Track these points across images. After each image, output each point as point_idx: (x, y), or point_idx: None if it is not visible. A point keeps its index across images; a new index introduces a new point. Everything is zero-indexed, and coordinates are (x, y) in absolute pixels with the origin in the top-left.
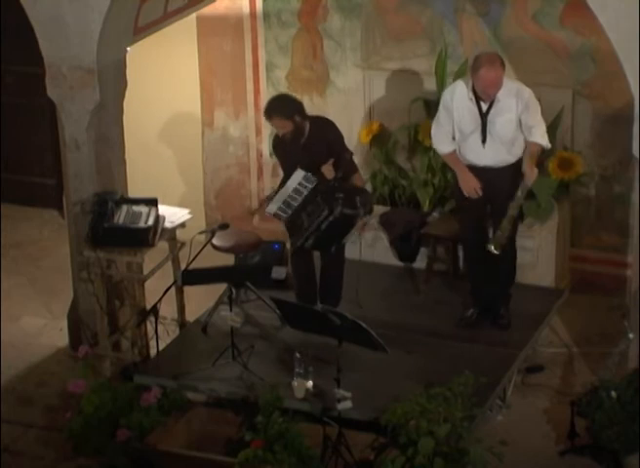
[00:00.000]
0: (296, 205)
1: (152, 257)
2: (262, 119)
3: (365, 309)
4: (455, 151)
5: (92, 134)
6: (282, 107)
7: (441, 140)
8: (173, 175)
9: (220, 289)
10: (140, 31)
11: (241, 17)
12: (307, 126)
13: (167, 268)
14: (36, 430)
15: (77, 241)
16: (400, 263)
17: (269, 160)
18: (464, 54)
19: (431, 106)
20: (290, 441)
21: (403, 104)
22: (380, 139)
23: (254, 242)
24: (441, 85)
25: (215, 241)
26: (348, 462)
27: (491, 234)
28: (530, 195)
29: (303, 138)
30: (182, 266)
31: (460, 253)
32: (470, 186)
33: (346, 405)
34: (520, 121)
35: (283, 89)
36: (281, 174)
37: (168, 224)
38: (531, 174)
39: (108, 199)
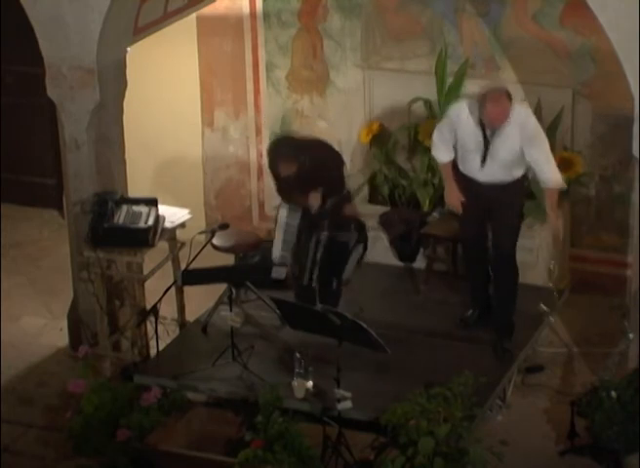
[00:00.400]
0: (292, 241)
1: (152, 257)
2: (262, 119)
3: (365, 309)
4: (450, 161)
5: (92, 134)
6: (285, 151)
7: (440, 149)
8: (173, 175)
9: (219, 289)
10: (139, 31)
11: (241, 17)
12: (308, 159)
13: (167, 268)
14: (36, 430)
15: (77, 241)
16: (400, 263)
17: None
18: (464, 54)
19: (431, 106)
20: (290, 441)
21: (403, 104)
22: (380, 139)
23: (254, 242)
24: (441, 85)
25: (215, 241)
26: (348, 462)
27: (490, 236)
28: (530, 195)
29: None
30: (182, 266)
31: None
32: (453, 199)
33: (346, 405)
34: (523, 151)
35: (283, 89)
36: None
37: (168, 224)
38: (555, 222)
39: (108, 199)
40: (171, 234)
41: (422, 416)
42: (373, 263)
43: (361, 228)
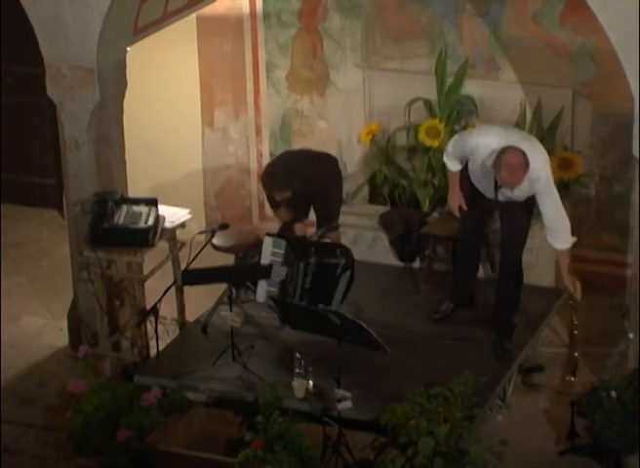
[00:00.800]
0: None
1: (152, 257)
2: (262, 119)
3: (365, 309)
4: (458, 172)
5: (92, 134)
6: (280, 180)
7: (451, 159)
8: (173, 175)
9: (219, 289)
10: (139, 31)
11: (241, 17)
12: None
13: (167, 268)
14: (36, 430)
15: (77, 241)
16: (400, 263)
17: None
18: (464, 54)
19: (431, 106)
20: (290, 441)
21: (403, 104)
22: (379, 139)
23: (254, 242)
24: (441, 85)
25: (215, 241)
26: (348, 462)
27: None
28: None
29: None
30: (182, 266)
31: None
32: (455, 204)
33: (346, 405)
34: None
35: (283, 89)
36: None
37: (168, 224)
38: (574, 285)
39: (108, 199)
40: (171, 234)
41: (422, 416)
42: (373, 263)
43: (347, 254)
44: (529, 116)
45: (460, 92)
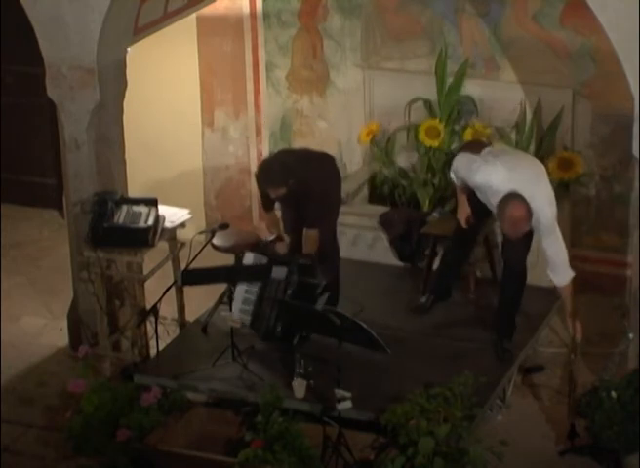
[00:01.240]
0: (256, 292)
1: (152, 257)
2: (262, 119)
3: (365, 309)
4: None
5: (92, 134)
6: (275, 177)
7: (456, 176)
8: (173, 175)
9: (219, 289)
10: (140, 31)
11: (241, 17)
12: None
13: (167, 268)
14: (36, 430)
15: (77, 241)
16: (400, 263)
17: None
18: (464, 54)
19: (431, 106)
20: (290, 441)
21: (403, 104)
22: (379, 139)
23: (254, 242)
24: (441, 85)
25: (215, 241)
26: (348, 462)
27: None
28: None
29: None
30: (182, 266)
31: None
32: (463, 217)
33: (346, 405)
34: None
35: (283, 89)
36: None
37: (168, 224)
38: (575, 328)
39: (108, 199)
40: (171, 234)
41: (422, 416)
42: (373, 263)
43: (326, 271)
44: (529, 116)
45: (459, 92)
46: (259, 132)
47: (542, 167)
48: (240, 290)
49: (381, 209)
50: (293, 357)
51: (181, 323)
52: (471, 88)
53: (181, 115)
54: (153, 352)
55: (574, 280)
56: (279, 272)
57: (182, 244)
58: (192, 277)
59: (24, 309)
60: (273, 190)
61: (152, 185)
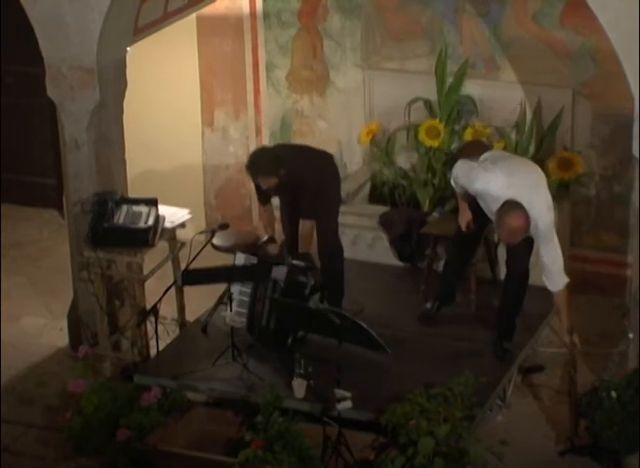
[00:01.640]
0: (249, 293)
1: (152, 257)
2: (262, 119)
3: (365, 309)
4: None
5: (92, 134)
6: (265, 165)
7: (456, 183)
8: (173, 175)
9: (219, 289)
10: (140, 31)
11: (241, 17)
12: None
13: (167, 268)
14: (36, 430)
15: (77, 241)
16: (400, 263)
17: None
18: (464, 54)
19: (431, 106)
20: (290, 441)
21: (403, 104)
22: (379, 139)
23: (254, 242)
24: (441, 85)
25: (215, 241)
26: (348, 462)
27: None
28: None
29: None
30: (182, 266)
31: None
32: (464, 222)
33: (346, 405)
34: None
35: (283, 89)
36: None
37: (168, 224)
38: (572, 341)
39: (108, 199)
40: (171, 234)
41: (422, 416)
42: (373, 263)
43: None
44: (529, 116)
45: (459, 92)
46: (259, 132)
47: (541, 172)
48: (235, 291)
49: (381, 209)
50: (293, 357)
51: (181, 323)
52: (471, 88)
53: (181, 115)
54: (153, 352)
55: (573, 281)
56: (279, 272)
57: (182, 244)
58: (192, 277)
59: (24, 309)
60: (263, 180)
61: (152, 185)
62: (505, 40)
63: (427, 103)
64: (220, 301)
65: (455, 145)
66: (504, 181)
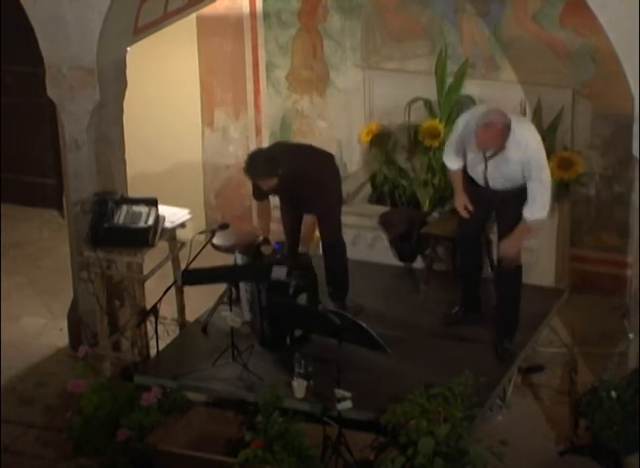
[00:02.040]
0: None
1: (152, 257)
2: (262, 119)
3: (365, 309)
4: (460, 169)
5: (92, 134)
6: (263, 168)
7: (450, 157)
8: (173, 175)
9: (219, 289)
10: (140, 31)
11: (241, 17)
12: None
13: (167, 268)
14: (36, 430)
15: (77, 241)
16: (400, 263)
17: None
18: (464, 54)
19: (431, 106)
20: (290, 441)
21: (403, 104)
22: (380, 139)
23: (253, 242)
24: (441, 85)
25: (215, 241)
26: (348, 462)
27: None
28: None
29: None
30: (182, 266)
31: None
32: (460, 204)
33: (346, 405)
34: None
35: (283, 89)
36: None
37: (168, 224)
38: (510, 249)
39: (108, 199)
40: (171, 234)
41: (422, 416)
42: (373, 263)
43: (305, 278)
44: (529, 116)
45: (460, 92)
46: (259, 132)
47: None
48: (242, 291)
49: (381, 209)
50: (293, 357)
51: (181, 323)
52: (471, 88)
53: (182, 115)
54: (153, 352)
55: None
56: (279, 272)
57: (182, 244)
58: (192, 277)
59: (24, 309)
60: (264, 182)
61: (152, 185)
62: (505, 40)
63: (427, 103)
64: (220, 301)
65: None
66: (486, 108)
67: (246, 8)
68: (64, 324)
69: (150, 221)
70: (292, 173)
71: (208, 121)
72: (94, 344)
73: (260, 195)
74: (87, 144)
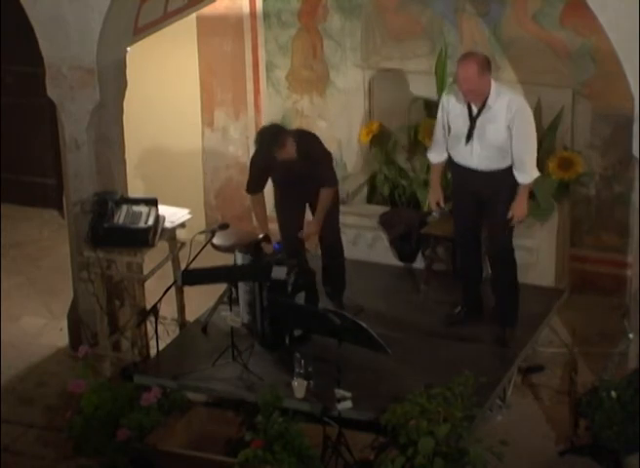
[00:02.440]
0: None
1: (152, 257)
2: (262, 119)
3: (365, 309)
4: (441, 163)
5: (92, 134)
6: (279, 135)
7: (434, 149)
8: (173, 175)
9: (219, 289)
10: (140, 31)
11: (241, 17)
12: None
13: (167, 268)
14: (36, 430)
15: (77, 241)
16: (400, 263)
17: None
18: None
19: (431, 106)
20: (290, 441)
21: (403, 104)
22: (380, 139)
23: (254, 241)
24: (441, 85)
25: (215, 241)
26: (348, 462)
27: (484, 234)
28: (530, 195)
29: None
30: (182, 266)
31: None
32: (434, 200)
33: (346, 405)
34: (510, 136)
35: (283, 89)
36: None
37: (168, 224)
38: (520, 211)
39: (108, 199)
40: (171, 234)
41: (422, 416)
42: (373, 263)
43: (303, 276)
44: None
45: None
46: None
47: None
48: (241, 292)
49: (381, 209)
50: (293, 357)
51: (181, 323)
52: None
53: (182, 115)
54: (153, 352)
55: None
56: (279, 272)
57: (182, 244)
58: (192, 277)
59: (24, 309)
60: (283, 150)
61: (152, 185)
62: (505, 40)
63: (427, 103)
64: (220, 301)
65: None
66: None
67: (246, 8)
68: (64, 324)
69: (150, 221)
70: (301, 146)
71: (208, 121)
72: (94, 344)
73: (255, 186)
74: (87, 144)
